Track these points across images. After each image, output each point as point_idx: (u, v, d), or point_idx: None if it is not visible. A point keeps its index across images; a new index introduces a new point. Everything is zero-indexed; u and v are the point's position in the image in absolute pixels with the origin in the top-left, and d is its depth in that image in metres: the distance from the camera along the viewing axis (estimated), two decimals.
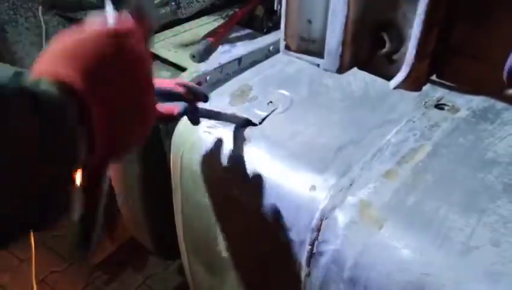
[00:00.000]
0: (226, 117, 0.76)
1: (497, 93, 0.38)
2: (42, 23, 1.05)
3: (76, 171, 0.39)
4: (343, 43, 0.41)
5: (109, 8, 0.47)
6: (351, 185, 0.64)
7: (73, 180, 0.39)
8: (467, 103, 0.77)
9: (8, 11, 1.00)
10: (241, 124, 0.76)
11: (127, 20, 0.47)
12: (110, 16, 0.47)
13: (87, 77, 0.40)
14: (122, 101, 0.43)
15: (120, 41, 0.44)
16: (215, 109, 0.74)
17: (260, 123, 0.76)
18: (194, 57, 0.98)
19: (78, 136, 0.38)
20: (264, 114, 0.77)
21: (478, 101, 0.76)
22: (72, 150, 0.37)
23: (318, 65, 0.44)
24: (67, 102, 0.37)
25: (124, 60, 0.44)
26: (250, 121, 0.76)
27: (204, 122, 0.76)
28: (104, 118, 0.40)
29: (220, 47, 1.03)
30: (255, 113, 0.77)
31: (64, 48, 0.42)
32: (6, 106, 0.33)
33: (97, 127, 0.40)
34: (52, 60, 0.41)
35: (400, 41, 0.39)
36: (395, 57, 0.40)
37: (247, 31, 1.12)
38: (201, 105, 0.67)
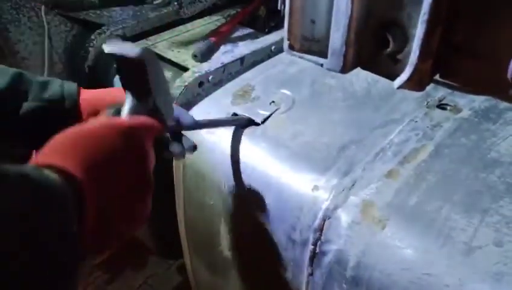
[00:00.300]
0: (228, 122, 0.76)
1: (501, 93, 0.38)
2: (45, 23, 1.05)
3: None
4: (347, 42, 0.41)
5: (129, 101, 0.49)
6: (353, 185, 0.64)
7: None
8: (469, 103, 0.77)
9: (10, 10, 1.00)
10: (244, 124, 0.76)
11: (143, 118, 0.49)
12: (127, 109, 0.49)
13: (91, 169, 0.40)
14: (120, 196, 0.43)
15: (131, 137, 0.45)
16: (215, 118, 0.74)
17: (262, 123, 0.76)
18: (196, 56, 0.98)
19: (73, 224, 0.37)
20: (267, 114, 0.77)
21: (480, 101, 0.76)
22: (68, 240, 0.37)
23: (321, 65, 0.44)
24: (67, 191, 0.37)
25: (131, 157, 0.44)
26: (253, 120, 0.76)
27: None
28: (98, 210, 0.40)
29: (222, 47, 1.03)
30: (258, 113, 0.77)
31: (76, 136, 0.43)
32: (9, 193, 0.33)
33: (89, 217, 0.39)
34: (62, 148, 0.41)
35: (403, 41, 0.39)
36: (398, 56, 0.40)
37: (250, 30, 1.12)
38: (201, 110, 0.67)
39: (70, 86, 0.67)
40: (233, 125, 0.76)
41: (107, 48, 0.48)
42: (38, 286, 0.34)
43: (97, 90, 0.70)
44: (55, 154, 0.40)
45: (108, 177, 0.42)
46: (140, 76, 0.48)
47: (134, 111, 0.50)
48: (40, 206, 0.34)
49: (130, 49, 0.47)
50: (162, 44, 1.07)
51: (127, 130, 0.45)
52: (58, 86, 0.65)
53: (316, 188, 0.65)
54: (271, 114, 0.77)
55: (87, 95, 0.68)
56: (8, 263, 0.31)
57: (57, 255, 0.35)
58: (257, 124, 0.76)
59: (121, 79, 0.51)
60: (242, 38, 1.09)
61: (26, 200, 0.34)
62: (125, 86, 0.51)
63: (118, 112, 0.50)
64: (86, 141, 0.42)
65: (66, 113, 0.65)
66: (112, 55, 0.48)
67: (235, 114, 0.78)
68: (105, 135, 0.43)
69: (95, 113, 0.65)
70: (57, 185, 0.37)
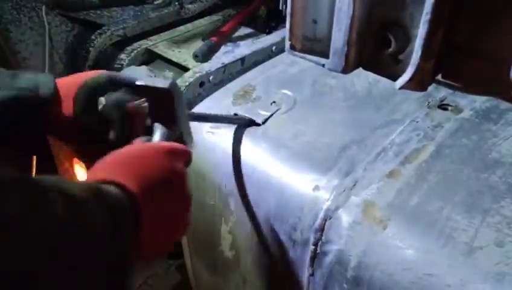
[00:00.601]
0: (228, 119, 0.76)
1: (502, 93, 0.38)
2: (45, 23, 1.05)
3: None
4: (349, 42, 0.41)
5: (159, 131, 0.55)
6: (354, 185, 0.64)
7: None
8: (470, 104, 0.76)
9: (11, 10, 1.00)
10: (244, 124, 0.76)
11: (175, 143, 0.55)
12: (158, 137, 0.55)
13: (145, 185, 0.45)
14: (168, 209, 0.48)
15: (173, 158, 0.50)
16: (216, 113, 0.75)
17: (263, 123, 0.76)
18: (197, 56, 0.98)
19: (132, 236, 0.42)
20: (268, 114, 0.77)
21: (481, 102, 0.76)
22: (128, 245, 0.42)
23: (323, 65, 0.44)
24: (128, 207, 0.42)
25: (175, 174, 0.50)
26: (254, 121, 0.76)
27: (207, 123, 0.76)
28: (151, 223, 0.45)
29: (223, 47, 1.03)
30: (258, 113, 0.77)
31: (127, 156, 0.48)
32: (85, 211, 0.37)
33: (145, 230, 0.44)
34: (116, 167, 0.46)
35: (405, 41, 0.39)
36: (400, 57, 0.40)
37: (250, 31, 1.12)
38: (201, 110, 0.67)
39: (45, 75, 0.63)
40: (234, 122, 0.76)
41: (140, 82, 0.55)
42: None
43: (71, 75, 0.67)
44: (110, 171, 0.45)
45: (159, 192, 0.46)
46: (168, 106, 0.55)
47: (164, 138, 0.56)
48: (118, 223, 0.40)
49: (161, 82, 0.55)
50: (162, 44, 1.07)
51: (170, 151, 0.50)
52: (32, 75, 0.61)
53: (317, 188, 0.65)
54: (272, 114, 0.77)
55: (63, 81, 0.64)
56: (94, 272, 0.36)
57: (125, 265, 0.40)
58: (258, 125, 0.76)
59: (151, 111, 0.57)
60: (243, 38, 1.09)
61: (107, 218, 0.39)
62: (155, 117, 0.57)
63: (149, 140, 0.56)
64: (137, 160, 0.48)
65: (41, 102, 0.60)
66: (144, 87, 0.55)
67: (235, 114, 0.78)
68: (152, 156, 0.49)
69: (72, 97, 0.62)
70: (122, 201, 0.42)
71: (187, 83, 0.89)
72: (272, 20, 1.12)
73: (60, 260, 0.34)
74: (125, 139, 0.57)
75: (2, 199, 0.31)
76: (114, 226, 0.39)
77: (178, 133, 0.57)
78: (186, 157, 0.54)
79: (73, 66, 1.12)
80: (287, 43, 0.47)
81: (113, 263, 0.39)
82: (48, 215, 0.34)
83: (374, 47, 0.42)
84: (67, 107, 0.60)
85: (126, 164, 0.47)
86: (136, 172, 0.45)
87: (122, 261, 0.40)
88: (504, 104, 0.74)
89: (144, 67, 1.00)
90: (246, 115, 0.77)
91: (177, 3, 1.14)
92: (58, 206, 0.35)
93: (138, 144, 0.54)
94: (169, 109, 0.55)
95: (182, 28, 1.15)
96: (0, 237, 0.30)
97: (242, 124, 0.76)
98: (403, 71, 0.41)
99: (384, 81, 0.44)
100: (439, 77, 0.43)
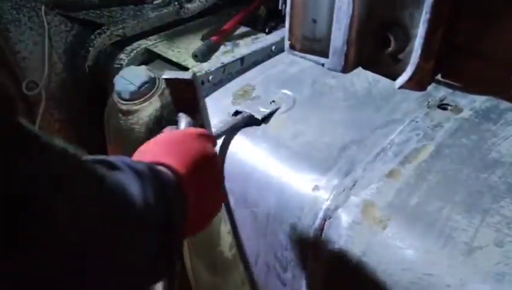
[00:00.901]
0: (230, 129, 0.76)
1: (503, 93, 0.38)
2: (45, 23, 1.05)
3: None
4: (348, 42, 0.41)
5: (184, 120, 0.62)
6: (354, 185, 0.64)
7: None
8: (469, 103, 0.76)
9: (11, 10, 1.00)
10: (245, 121, 0.76)
11: (203, 129, 0.61)
12: (184, 125, 0.61)
13: (188, 166, 0.49)
14: (207, 186, 0.52)
15: (207, 141, 0.55)
16: (215, 112, 0.75)
17: (263, 120, 0.76)
18: (196, 56, 0.98)
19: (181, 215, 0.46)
20: (267, 111, 0.77)
21: (481, 102, 0.76)
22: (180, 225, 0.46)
23: (323, 65, 0.44)
24: (176, 186, 0.46)
25: (209, 155, 0.54)
26: (254, 120, 0.76)
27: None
28: (195, 199, 0.49)
29: (223, 47, 1.03)
30: (258, 110, 0.77)
31: (168, 141, 0.53)
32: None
33: (190, 209, 0.48)
34: (161, 151, 0.50)
35: (405, 40, 0.39)
36: (400, 56, 0.40)
37: (250, 30, 1.12)
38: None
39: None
40: (236, 124, 0.76)
41: (166, 76, 0.62)
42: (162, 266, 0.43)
43: None
44: (156, 155, 0.49)
45: (199, 172, 0.50)
46: (191, 96, 0.62)
47: (189, 126, 0.62)
48: (171, 199, 0.43)
49: (183, 74, 0.62)
50: (162, 44, 1.07)
51: (201, 135, 0.55)
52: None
53: (316, 188, 0.65)
54: (271, 112, 0.77)
55: None
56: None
57: (176, 236, 0.44)
58: (257, 122, 0.76)
59: (175, 102, 0.64)
60: (242, 38, 1.09)
61: (163, 196, 0.42)
62: (179, 108, 0.63)
63: (177, 129, 0.62)
64: (177, 145, 0.52)
65: None
66: (170, 80, 0.62)
67: (236, 112, 0.78)
68: (189, 140, 0.54)
69: None
70: (172, 180, 0.45)
71: None
72: (271, 20, 1.12)
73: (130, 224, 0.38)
74: None
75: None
76: (168, 202, 0.42)
77: (200, 122, 0.63)
78: (213, 141, 0.59)
79: (72, 66, 1.12)
80: (287, 43, 0.47)
81: (165, 234, 0.41)
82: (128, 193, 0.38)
83: (374, 46, 0.42)
84: None
85: (169, 148, 0.51)
86: (178, 155, 0.49)
87: (174, 232, 0.43)
88: (504, 104, 0.74)
89: (143, 67, 0.99)
90: (246, 110, 0.77)
91: (176, 3, 1.13)
92: (133, 186, 0.39)
93: (171, 132, 0.59)
94: (192, 99, 0.62)
95: (181, 27, 1.15)
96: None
97: (241, 123, 0.76)
98: (402, 71, 0.40)
99: (383, 80, 0.43)
100: (438, 76, 0.43)
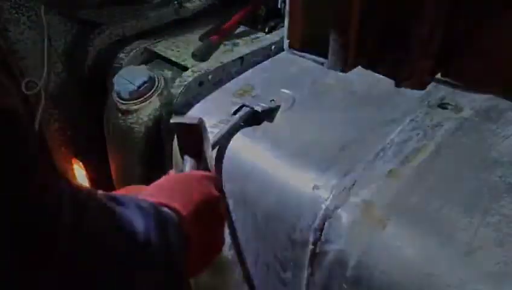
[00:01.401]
0: (231, 125, 0.76)
1: (503, 92, 0.38)
2: (44, 23, 1.05)
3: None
4: (348, 42, 0.41)
5: (189, 163, 0.63)
6: (353, 184, 0.64)
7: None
8: (470, 103, 0.76)
9: (10, 10, 1.00)
10: (244, 119, 0.76)
11: (207, 172, 0.63)
12: (188, 168, 0.63)
13: (191, 208, 0.50)
14: (209, 228, 0.54)
15: (210, 184, 0.57)
16: (215, 112, 0.76)
17: (263, 114, 0.76)
18: (196, 56, 0.98)
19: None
20: (267, 106, 0.77)
21: (481, 101, 0.76)
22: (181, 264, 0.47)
23: (322, 64, 0.44)
24: (179, 228, 0.47)
25: (213, 198, 0.56)
26: (254, 117, 0.76)
27: (207, 122, 0.76)
28: (197, 240, 0.50)
29: (222, 46, 1.03)
30: (258, 104, 0.77)
31: (173, 183, 0.55)
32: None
33: (192, 249, 0.49)
34: (165, 194, 0.52)
35: (405, 40, 0.39)
36: (400, 55, 0.40)
37: (250, 30, 1.12)
38: (200, 109, 0.72)
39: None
40: (235, 128, 0.76)
41: (174, 120, 0.65)
42: None
43: None
44: (161, 196, 0.50)
45: (201, 214, 0.52)
46: (197, 139, 0.63)
47: (194, 169, 0.63)
48: (175, 235, 0.45)
49: (190, 119, 0.65)
50: (161, 43, 1.07)
51: (206, 178, 0.58)
52: None
53: (316, 187, 0.65)
54: (271, 108, 0.77)
55: None
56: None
57: (177, 274, 0.45)
58: (258, 118, 0.76)
59: (181, 145, 0.66)
60: (242, 37, 1.09)
61: (169, 232, 0.44)
62: (184, 151, 0.65)
63: (181, 171, 0.64)
64: (182, 187, 0.54)
65: None
66: (178, 124, 0.65)
67: (236, 111, 0.77)
68: (193, 183, 0.56)
69: None
70: (175, 222, 0.47)
71: (186, 83, 0.88)
72: (271, 20, 1.12)
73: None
74: None
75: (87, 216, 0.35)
76: (169, 241, 0.44)
77: (204, 164, 0.65)
78: (217, 182, 0.61)
79: (72, 66, 1.12)
80: (286, 42, 0.47)
81: (165, 271, 0.43)
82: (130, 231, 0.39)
83: (373, 46, 0.42)
84: None
85: (173, 191, 0.53)
86: (182, 197, 0.51)
87: (174, 271, 0.44)
88: (504, 103, 0.74)
89: (143, 66, 0.99)
90: (246, 103, 0.77)
91: (176, 2, 1.13)
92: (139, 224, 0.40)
93: (176, 174, 0.63)
94: (197, 142, 0.64)
95: (180, 27, 1.15)
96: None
97: (241, 122, 0.76)
98: (402, 70, 0.40)
99: (383, 80, 0.43)
100: (438, 75, 0.43)
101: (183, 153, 0.65)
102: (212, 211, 0.55)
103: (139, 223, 0.40)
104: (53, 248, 0.30)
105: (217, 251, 0.60)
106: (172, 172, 0.65)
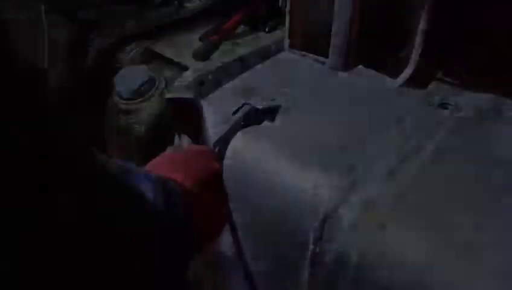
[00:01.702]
0: (231, 124, 0.76)
1: (504, 91, 0.38)
2: (44, 23, 1.05)
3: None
4: (349, 41, 0.41)
5: (186, 140, 0.63)
6: (354, 184, 0.64)
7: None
8: (470, 102, 0.76)
9: (10, 9, 1.00)
10: (245, 118, 0.76)
11: (207, 146, 0.63)
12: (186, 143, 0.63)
13: (195, 181, 0.52)
14: (212, 201, 0.56)
15: (211, 158, 0.58)
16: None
17: (264, 112, 0.76)
18: (195, 56, 0.98)
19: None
20: (268, 105, 0.77)
21: (482, 100, 0.76)
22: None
23: (323, 63, 0.44)
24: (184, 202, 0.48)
25: (215, 173, 0.58)
26: (254, 116, 0.76)
27: (207, 121, 0.76)
28: (201, 216, 0.51)
29: (222, 46, 1.03)
30: (259, 102, 0.77)
31: (173, 160, 0.56)
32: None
33: (197, 220, 0.50)
34: (166, 169, 0.52)
35: (406, 39, 0.39)
36: (401, 55, 0.40)
37: (250, 30, 1.12)
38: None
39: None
40: (235, 127, 0.76)
41: (169, 95, 0.64)
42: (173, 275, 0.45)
43: None
44: (165, 170, 0.51)
45: (205, 187, 0.53)
46: (192, 114, 0.63)
47: (191, 143, 0.64)
48: (183, 209, 0.46)
49: (185, 93, 0.64)
50: (161, 43, 1.07)
51: (204, 153, 0.59)
52: None
53: (316, 187, 0.65)
54: (272, 106, 0.77)
55: None
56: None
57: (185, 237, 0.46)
58: (258, 117, 0.76)
59: (178, 124, 0.65)
60: (242, 37, 1.09)
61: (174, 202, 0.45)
62: (181, 130, 0.65)
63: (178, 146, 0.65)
64: (182, 162, 0.55)
65: None
66: (171, 99, 0.64)
67: (236, 111, 0.77)
68: (192, 157, 0.57)
69: None
70: (179, 191, 0.48)
71: (186, 83, 0.88)
72: (271, 19, 1.12)
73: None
74: None
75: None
76: (176, 214, 0.45)
77: (201, 139, 0.65)
78: (214, 156, 0.61)
79: (72, 66, 1.12)
80: (287, 42, 0.47)
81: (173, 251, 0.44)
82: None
83: (374, 45, 0.42)
84: None
85: (174, 165, 0.53)
86: (183, 171, 0.52)
87: (186, 246, 0.46)
88: (504, 103, 0.74)
89: (143, 66, 0.99)
90: (247, 101, 0.77)
91: (176, 2, 1.13)
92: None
93: (174, 151, 0.63)
94: (193, 117, 0.64)
95: (181, 27, 1.15)
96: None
97: (242, 121, 0.76)
98: (402, 69, 0.40)
99: (384, 79, 0.43)
100: (439, 75, 0.42)
101: (179, 129, 0.64)
102: (213, 183, 0.57)
103: (148, 193, 0.41)
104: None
105: (218, 228, 0.60)
106: (170, 149, 0.65)
